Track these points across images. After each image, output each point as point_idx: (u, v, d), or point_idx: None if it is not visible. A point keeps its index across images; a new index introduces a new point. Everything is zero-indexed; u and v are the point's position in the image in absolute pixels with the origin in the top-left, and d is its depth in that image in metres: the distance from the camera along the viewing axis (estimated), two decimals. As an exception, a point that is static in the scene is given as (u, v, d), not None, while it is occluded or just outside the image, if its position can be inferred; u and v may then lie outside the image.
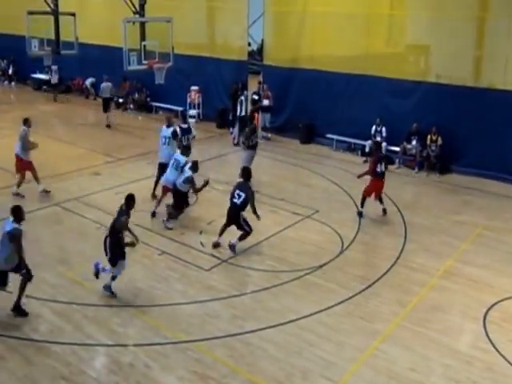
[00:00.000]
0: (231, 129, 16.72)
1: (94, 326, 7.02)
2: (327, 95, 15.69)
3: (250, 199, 9.04)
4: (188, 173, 9.87)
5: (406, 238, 9.93)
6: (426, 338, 6.99)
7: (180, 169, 10.02)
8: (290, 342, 6.83)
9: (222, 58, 17.82)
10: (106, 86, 17.74)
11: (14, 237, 6.94)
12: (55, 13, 15.47)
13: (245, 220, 9.16)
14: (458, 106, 13.49)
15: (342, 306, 7.68)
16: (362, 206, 10.79)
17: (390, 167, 14.39)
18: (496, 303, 7.80)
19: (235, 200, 9.06)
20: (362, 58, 15.07)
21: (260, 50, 19.87)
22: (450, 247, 9.65)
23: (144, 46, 13.10)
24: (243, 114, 16.19)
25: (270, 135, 16.84)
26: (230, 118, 16.90)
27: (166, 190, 10.33)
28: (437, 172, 13.78)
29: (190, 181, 9.83)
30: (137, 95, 20.01)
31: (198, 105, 18.72)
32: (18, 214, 7.04)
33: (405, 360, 6.57)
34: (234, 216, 9.11)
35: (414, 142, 14.13)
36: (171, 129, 11.11)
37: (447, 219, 10.88)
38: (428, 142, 13.97)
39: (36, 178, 11.26)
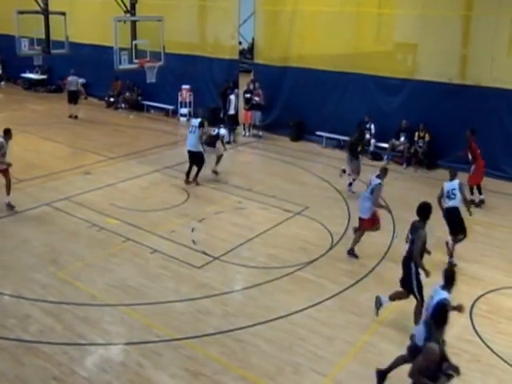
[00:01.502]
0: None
1: (85, 325, 7.06)
2: (317, 93, 15.79)
3: (415, 245, 6.98)
4: (375, 181, 8.77)
5: (394, 232, 10.07)
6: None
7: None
8: (281, 338, 6.93)
9: (213, 57, 17.87)
10: (72, 79, 18.43)
11: (442, 310, 5.33)
12: (45, 12, 15.43)
13: (417, 280, 7.02)
14: (445, 103, 13.64)
15: (333, 300, 7.79)
16: (481, 193, 11.54)
17: (379, 163, 14.57)
18: (482, 296, 7.97)
19: (406, 246, 7.23)
20: (351, 56, 15.19)
21: (251, 49, 19.94)
22: (439, 241, 9.75)
23: (135, 45, 13.16)
24: (233, 112, 16.26)
25: (261, 133, 16.94)
26: (221, 116, 16.95)
27: (367, 224, 8.97)
28: (424, 168, 13.97)
29: (377, 189, 8.67)
30: (128, 94, 20.01)
31: (189, 103, 18.76)
32: (451, 278, 5.57)
33: (394, 353, 6.64)
34: (403, 268, 7.24)
35: (402, 139, 14.30)
36: (199, 119, 12.19)
37: (436, 214, 10.96)
38: (416, 138, 14.16)
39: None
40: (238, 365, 6.44)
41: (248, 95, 16.88)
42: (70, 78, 18.45)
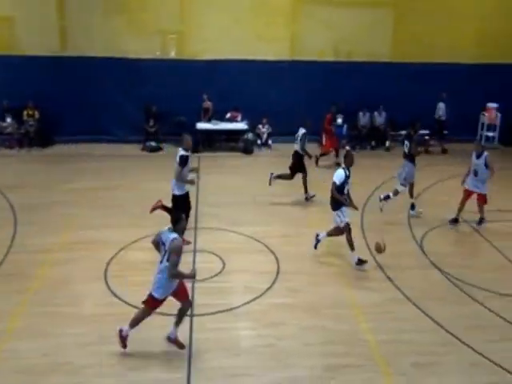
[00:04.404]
0: None
1: None
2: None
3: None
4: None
5: (16, 221, 9.19)
6: (54, 317, 6.56)
7: None
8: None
9: None
10: None
11: None
12: None
13: None
14: (51, 77, 13.18)
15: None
16: None
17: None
18: (113, 257, 8.04)
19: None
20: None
21: None
22: (66, 217, 9.43)
23: None
24: None
25: None
26: None
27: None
28: (39, 147, 13.38)
29: None
30: None
31: None
32: None
33: (36, 349, 6.04)
34: None
35: (9, 120, 13.23)
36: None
37: (60, 190, 10.68)
38: (25, 117, 13.34)
39: None
40: None
41: None
42: None
